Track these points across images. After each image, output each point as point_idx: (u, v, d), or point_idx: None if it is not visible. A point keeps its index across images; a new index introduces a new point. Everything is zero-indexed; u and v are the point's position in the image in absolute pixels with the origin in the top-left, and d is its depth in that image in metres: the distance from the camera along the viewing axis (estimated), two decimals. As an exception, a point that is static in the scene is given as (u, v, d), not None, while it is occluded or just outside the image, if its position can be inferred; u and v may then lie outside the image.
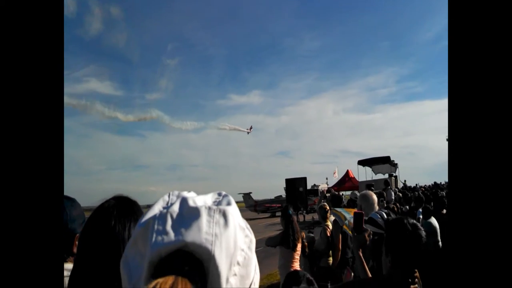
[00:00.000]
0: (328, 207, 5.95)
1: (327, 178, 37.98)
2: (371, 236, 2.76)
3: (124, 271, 0.62)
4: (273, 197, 38.82)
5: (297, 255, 5.03)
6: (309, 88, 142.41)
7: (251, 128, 67.58)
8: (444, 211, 8.73)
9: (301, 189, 17.04)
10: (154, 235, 0.59)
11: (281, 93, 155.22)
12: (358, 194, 6.50)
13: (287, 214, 5.08)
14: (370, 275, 2.53)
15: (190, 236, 0.59)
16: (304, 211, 23.55)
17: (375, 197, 3.95)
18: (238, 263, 0.63)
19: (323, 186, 34.82)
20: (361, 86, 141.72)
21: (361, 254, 2.62)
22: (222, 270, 0.59)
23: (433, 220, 6.73)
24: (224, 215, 0.63)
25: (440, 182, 23.51)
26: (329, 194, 8.53)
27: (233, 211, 0.65)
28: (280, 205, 32.56)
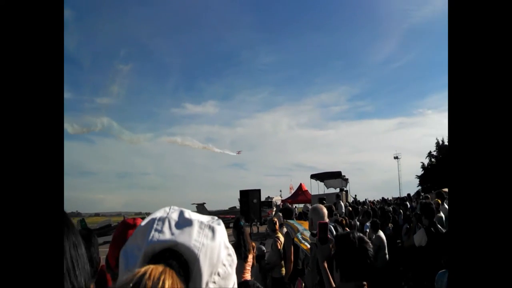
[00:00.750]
0: (277, 220, 6.14)
1: (281, 191, 38.48)
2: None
3: (122, 259, 0.73)
4: (227, 208, 38.62)
5: (249, 266, 5.12)
6: (265, 102, 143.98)
7: (239, 152, 68.91)
8: (390, 225, 9.24)
9: (255, 200, 17.13)
10: (152, 232, 0.71)
11: (237, 105, 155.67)
12: (310, 207, 6.72)
13: (238, 225, 5.18)
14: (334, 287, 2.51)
15: (181, 238, 0.70)
16: (258, 223, 23.67)
17: (325, 210, 4.10)
18: (218, 274, 0.72)
19: (277, 199, 35.20)
20: (315, 103, 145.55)
21: (326, 265, 2.62)
22: (204, 274, 0.69)
23: (381, 234, 7.11)
24: (213, 231, 0.75)
25: (388, 198, 24.61)
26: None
27: (221, 231, 0.77)
28: (234, 216, 32.42)
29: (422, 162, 46.64)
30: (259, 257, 5.80)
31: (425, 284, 4.36)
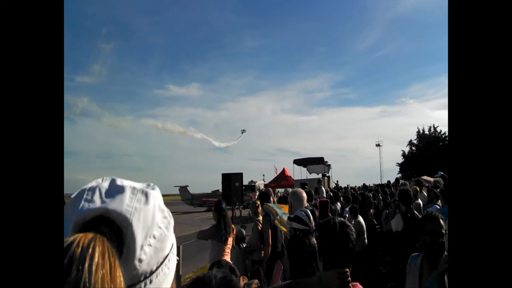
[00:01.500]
0: (259, 203, 6.17)
1: (264, 175, 38.82)
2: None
3: None
4: (210, 192, 38.73)
5: (228, 248, 5.16)
6: (249, 86, 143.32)
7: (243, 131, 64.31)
8: (371, 211, 9.42)
9: (237, 184, 17.17)
10: (82, 202, 0.69)
11: (221, 88, 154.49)
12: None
13: (220, 208, 5.19)
14: None
15: (113, 205, 0.68)
16: (241, 206, 23.82)
17: (304, 194, 4.14)
18: (154, 236, 0.71)
19: (260, 183, 35.48)
20: (299, 89, 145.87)
21: None
22: (138, 238, 0.68)
23: (360, 219, 7.23)
24: (146, 195, 0.73)
25: (369, 184, 25.02)
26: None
27: (155, 195, 0.75)
28: (217, 199, 32.45)
29: (402, 150, 47.51)
30: (238, 240, 5.84)
31: (400, 267, 4.46)
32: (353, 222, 6.98)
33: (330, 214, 2.67)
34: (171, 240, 0.78)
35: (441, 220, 2.67)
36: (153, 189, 0.77)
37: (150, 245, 0.71)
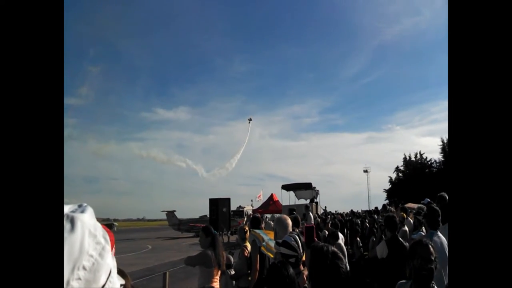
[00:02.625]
0: (247, 229, 6.20)
1: (252, 200, 38.58)
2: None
3: None
4: (197, 217, 38.28)
5: (217, 275, 5.11)
6: (238, 110, 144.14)
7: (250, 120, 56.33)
8: (358, 239, 9.50)
9: (224, 209, 17.12)
10: None
11: (209, 112, 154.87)
12: (277, 217, 6.83)
13: (212, 233, 5.17)
14: None
15: None
16: (228, 232, 23.54)
17: (289, 221, 4.17)
18: (84, 268, 0.65)
19: (248, 208, 35.21)
20: (287, 114, 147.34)
21: None
22: (64, 273, 0.62)
23: (341, 242, 7.29)
24: (72, 221, 0.65)
25: (357, 210, 25.03)
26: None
27: (85, 218, 0.68)
28: (204, 225, 31.86)
29: (390, 177, 47.90)
30: (226, 266, 5.81)
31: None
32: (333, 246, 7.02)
33: (316, 239, 2.68)
34: (107, 268, 0.72)
35: (430, 247, 2.72)
36: (82, 211, 0.69)
37: (79, 278, 0.64)
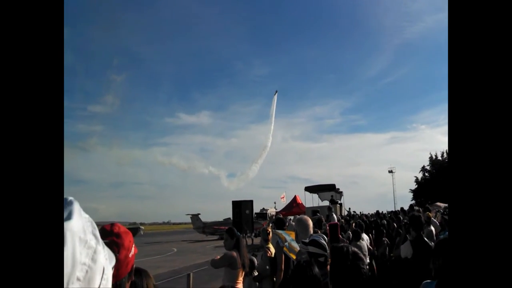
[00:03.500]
0: (270, 230, 6.21)
1: (275, 202, 38.41)
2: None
3: None
4: (221, 219, 38.48)
5: (241, 277, 5.13)
6: (259, 113, 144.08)
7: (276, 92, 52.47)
8: (385, 239, 9.35)
9: (247, 211, 17.14)
10: None
11: (231, 116, 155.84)
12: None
13: (236, 235, 5.20)
14: None
15: None
16: (252, 234, 23.57)
17: (310, 222, 4.15)
18: (78, 279, 0.62)
19: (271, 210, 35.13)
20: (308, 116, 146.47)
21: None
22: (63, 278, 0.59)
23: (362, 243, 7.21)
24: None
25: (382, 211, 24.63)
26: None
27: (72, 227, 0.63)
28: (228, 227, 31.82)
29: (415, 177, 46.87)
30: (250, 268, 5.83)
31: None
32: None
33: (340, 236, 2.63)
34: (100, 269, 0.69)
35: None
36: (69, 217, 0.64)
37: None
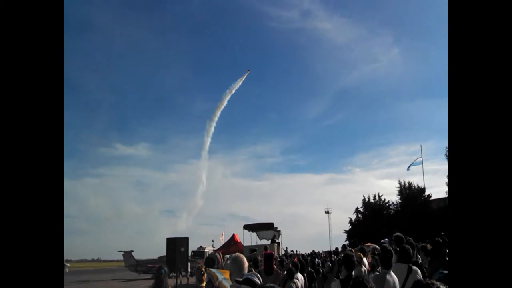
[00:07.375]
0: (204, 269, 6.06)
1: (213, 241, 37.70)
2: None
3: None
4: (156, 257, 36.79)
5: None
6: (200, 148, 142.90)
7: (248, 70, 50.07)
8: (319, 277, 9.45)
9: (182, 249, 16.62)
10: None
11: (171, 149, 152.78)
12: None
13: (159, 272, 4.96)
14: None
15: None
16: (188, 273, 22.75)
17: (245, 260, 4.13)
18: None
19: (209, 249, 34.34)
20: (250, 153, 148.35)
21: None
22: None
23: (296, 282, 7.25)
24: None
25: (318, 251, 25.03)
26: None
27: None
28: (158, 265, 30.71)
29: (350, 218, 48.55)
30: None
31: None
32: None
33: (275, 266, 2.68)
34: None
35: (366, 283, 2.85)
36: None
37: None
